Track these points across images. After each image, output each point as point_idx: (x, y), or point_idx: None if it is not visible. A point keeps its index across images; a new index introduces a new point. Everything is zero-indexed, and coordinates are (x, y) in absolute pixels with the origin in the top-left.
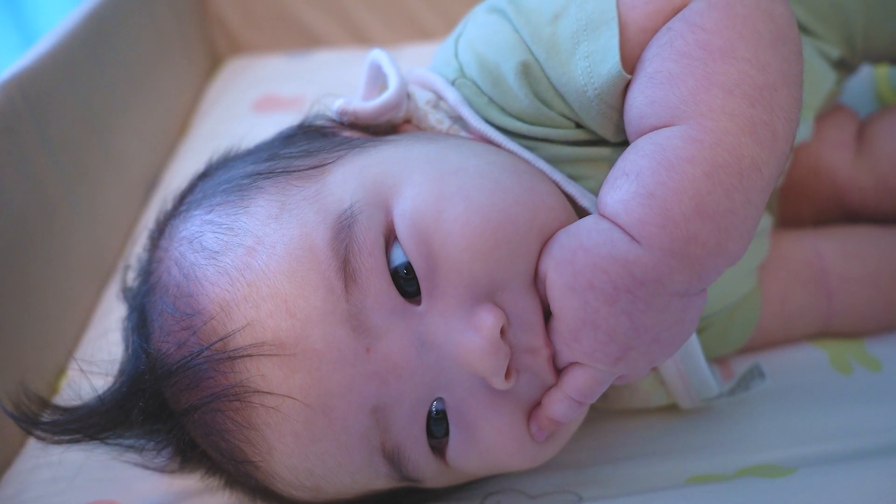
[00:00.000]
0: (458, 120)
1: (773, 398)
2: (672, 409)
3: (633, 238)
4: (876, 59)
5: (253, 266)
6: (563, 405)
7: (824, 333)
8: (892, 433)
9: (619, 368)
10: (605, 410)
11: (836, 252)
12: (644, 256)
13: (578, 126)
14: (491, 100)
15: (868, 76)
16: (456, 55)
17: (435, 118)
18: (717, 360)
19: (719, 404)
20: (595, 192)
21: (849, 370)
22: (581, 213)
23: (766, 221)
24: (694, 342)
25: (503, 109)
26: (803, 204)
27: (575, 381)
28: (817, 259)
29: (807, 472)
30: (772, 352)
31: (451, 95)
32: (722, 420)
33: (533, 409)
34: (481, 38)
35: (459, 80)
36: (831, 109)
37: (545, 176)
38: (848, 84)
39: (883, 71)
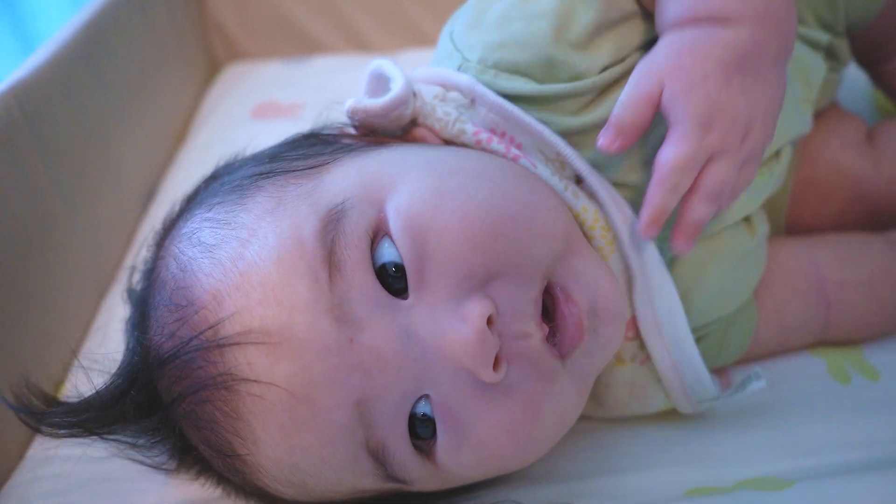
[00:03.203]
0: (465, 110)
1: (771, 409)
2: (671, 419)
3: (720, 22)
4: (855, 31)
5: (245, 256)
6: (701, 205)
7: (822, 342)
8: (890, 445)
9: (744, 149)
10: (605, 421)
11: (831, 259)
12: (740, 32)
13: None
14: (497, 70)
15: (866, 87)
16: (455, 46)
17: (443, 111)
18: (716, 370)
19: (717, 406)
20: (594, 163)
21: (847, 380)
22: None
23: (765, 229)
24: (685, 332)
25: (512, 71)
26: (825, 204)
27: (708, 178)
28: (813, 269)
29: (805, 485)
30: (770, 361)
31: (464, 79)
32: (720, 432)
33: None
34: (476, 19)
35: (465, 65)
36: (840, 114)
37: (543, 181)
38: (847, 96)
39: None
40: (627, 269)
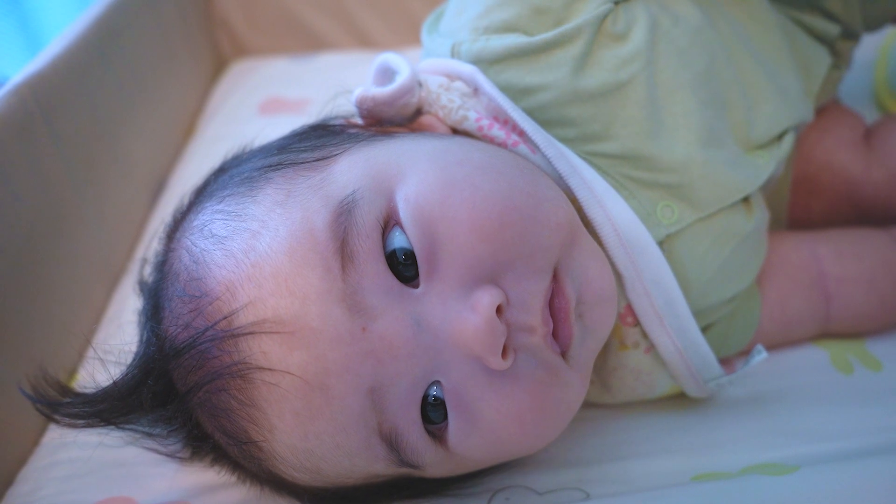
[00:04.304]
0: (468, 98)
1: (775, 397)
2: (677, 406)
3: None
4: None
5: (257, 248)
6: None
7: (824, 334)
8: (892, 432)
9: None
10: (612, 407)
11: (833, 253)
12: None
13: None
14: (489, 34)
15: (867, 83)
16: (443, 35)
17: (447, 98)
18: (720, 361)
19: (723, 392)
20: (588, 138)
21: (850, 370)
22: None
23: (764, 214)
24: (688, 320)
25: (503, 29)
26: (814, 200)
27: None
28: (815, 262)
29: (809, 470)
30: (773, 351)
31: (466, 69)
32: (726, 419)
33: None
34: (460, 8)
35: (457, 45)
36: (839, 111)
37: (544, 173)
38: (847, 91)
39: (881, 77)
40: (614, 265)
